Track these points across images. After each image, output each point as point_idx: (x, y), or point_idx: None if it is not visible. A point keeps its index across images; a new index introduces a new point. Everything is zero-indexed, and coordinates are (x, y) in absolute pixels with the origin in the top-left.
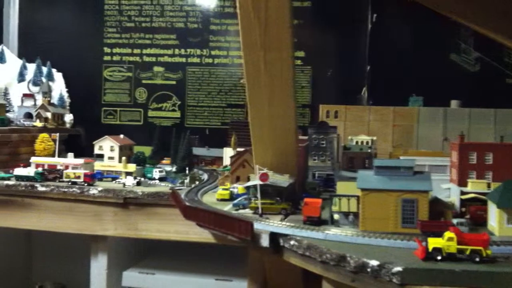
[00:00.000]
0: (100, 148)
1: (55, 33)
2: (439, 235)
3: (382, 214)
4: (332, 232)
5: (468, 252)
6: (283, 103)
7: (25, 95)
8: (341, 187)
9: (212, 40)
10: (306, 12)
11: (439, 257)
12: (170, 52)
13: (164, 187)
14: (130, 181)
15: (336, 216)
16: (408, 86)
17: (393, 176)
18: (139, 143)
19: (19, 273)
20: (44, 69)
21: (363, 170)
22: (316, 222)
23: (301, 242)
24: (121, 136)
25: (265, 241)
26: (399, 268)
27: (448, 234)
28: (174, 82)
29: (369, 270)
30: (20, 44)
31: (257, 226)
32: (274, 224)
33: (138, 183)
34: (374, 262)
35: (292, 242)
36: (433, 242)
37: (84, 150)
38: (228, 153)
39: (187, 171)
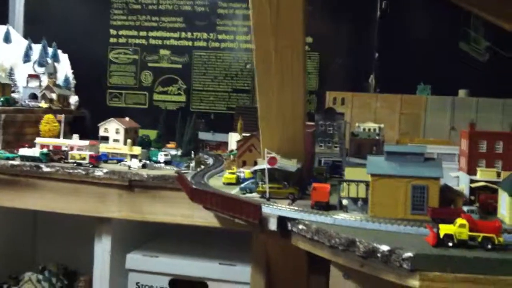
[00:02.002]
0: (105, 130)
1: (61, 14)
2: (450, 222)
3: (391, 200)
4: (341, 217)
5: (480, 239)
6: (293, 90)
7: (30, 76)
8: (350, 173)
9: (219, 24)
10: None
11: (450, 244)
12: (176, 35)
13: (170, 171)
14: (135, 163)
15: (344, 202)
16: (416, 74)
17: (404, 162)
18: (144, 127)
19: (23, 253)
20: (50, 50)
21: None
22: (325, 207)
23: (309, 227)
24: (127, 118)
25: (273, 225)
26: (410, 254)
27: (460, 220)
28: (180, 66)
29: (379, 255)
30: (25, 25)
31: (265, 209)
32: (282, 208)
33: (144, 166)
34: (384, 247)
35: (300, 226)
36: (445, 229)
37: (89, 132)
38: (233, 138)
39: (192, 155)
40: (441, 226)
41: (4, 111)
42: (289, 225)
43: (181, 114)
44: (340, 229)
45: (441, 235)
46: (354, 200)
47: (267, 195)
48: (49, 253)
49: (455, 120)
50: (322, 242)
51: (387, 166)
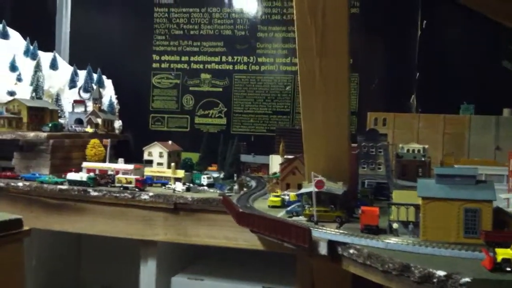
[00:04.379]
0: (150, 154)
1: (106, 41)
2: (506, 245)
3: (443, 224)
4: (393, 241)
5: None
6: (338, 110)
7: (76, 101)
8: (398, 196)
9: (259, 47)
10: (354, 19)
11: (508, 268)
12: (217, 59)
13: (213, 193)
14: (180, 187)
15: (395, 225)
16: (458, 94)
17: (455, 185)
18: (186, 150)
19: (68, 275)
20: (95, 76)
21: (419, 178)
22: (374, 230)
23: (361, 251)
24: (170, 142)
25: (323, 249)
26: (467, 279)
27: None
28: (220, 89)
29: (435, 280)
30: (71, 51)
31: (314, 233)
32: (332, 232)
33: (188, 189)
34: (440, 273)
35: (351, 251)
36: (502, 253)
37: (132, 155)
38: (274, 160)
39: (235, 178)
40: (497, 250)
41: (52, 137)
42: (339, 249)
43: (223, 137)
44: (393, 253)
45: (499, 259)
46: (404, 224)
47: (315, 218)
48: (94, 275)
49: (500, 140)
50: (374, 267)
51: (438, 189)
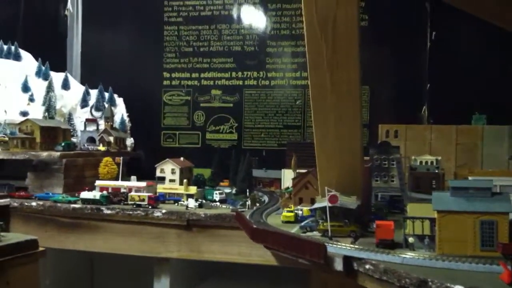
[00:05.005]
0: (162, 171)
1: (117, 60)
2: None
3: (460, 237)
4: (409, 255)
5: None
6: (350, 124)
7: (88, 120)
8: (413, 209)
9: (269, 62)
10: (363, 32)
11: None
12: (227, 75)
13: (226, 209)
14: (192, 203)
15: (411, 239)
16: (469, 104)
17: (471, 197)
18: (197, 165)
19: None
20: (106, 95)
21: (433, 191)
22: (390, 245)
23: (377, 266)
24: (181, 158)
25: (338, 265)
26: None
27: None
28: (231, 105)
29: None
30: (82, 71)
31: (329, 249)
32: (347, 247)
33: (200, 205)
34: (458, 287)
35: (367, 266)
36: None
37: (144, 172)
38: (286, 174)
39: (247, 193)
40: None
41: (65, 156)
42: (355, 264)
43: (234, 152)
44: (410, 268)
45: None
46: (420, 237)
47: (329, 233)
48: None
49: None
50: (391, 282)
51: (454, 202)
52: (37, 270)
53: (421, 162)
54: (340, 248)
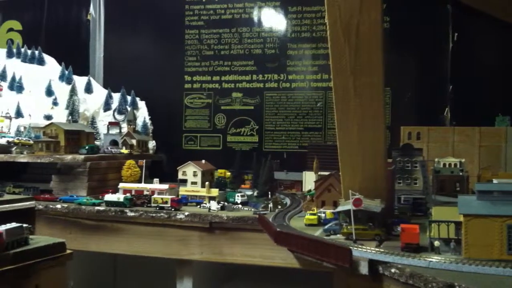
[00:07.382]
0: (184, 173)
1: (139, 64)
2: None
3: (486, 241)
4: (435, 259)
5: None
6: (373, 127)
7: (111, 123)
8: (438, 212)
9: (290, 64)
10: (385, 34)
11: None
12: (248, 78)
13: (248, 212)
14: (214, 205)
15: (436, 243)
16: (492, 105)
17: (497, 201)
18: (218, 168)
19: None
20: (129, 98)
21: (459, 194)
22: (415, 249)
23: (403, 270)
24: (203, 161)
25: (364, 269)
26: None
27: None
28: (252, 107)
29: None
30: (105, 75)
31: (354, 252)
32: (372, 251)
33: (222, 208)
34: None
35: (393, 270)
36: None
37: (166, 175)
38: (308, 177)
39: (269, 195)
40: None
41: (88, 159)
42: (380, 268)
43: (256, 155)
44: (436, 272)
45: None
46: (446, 241)
47: (354, 237)
48: None
49: None
50: (417, 286)
51: (480, 206)
52: (65, 272)
53: (444, 165)
54: (366, 252)
